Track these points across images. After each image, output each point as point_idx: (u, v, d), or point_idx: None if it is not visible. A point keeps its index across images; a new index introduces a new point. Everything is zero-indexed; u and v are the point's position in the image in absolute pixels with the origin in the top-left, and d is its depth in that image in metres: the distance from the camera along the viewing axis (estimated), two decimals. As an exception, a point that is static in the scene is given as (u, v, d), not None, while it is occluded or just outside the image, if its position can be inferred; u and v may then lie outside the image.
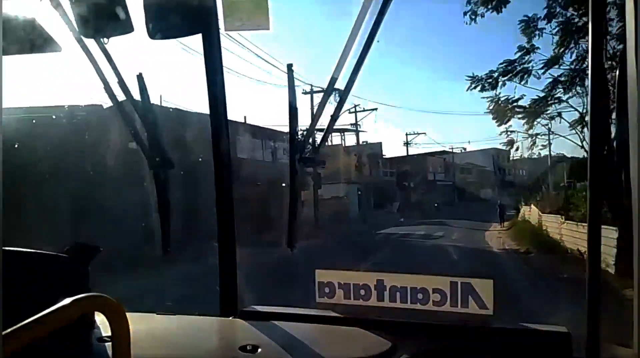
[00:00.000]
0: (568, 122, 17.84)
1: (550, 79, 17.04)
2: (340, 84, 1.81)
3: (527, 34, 16.57)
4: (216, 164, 1.93)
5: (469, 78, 17.91)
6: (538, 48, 16.81)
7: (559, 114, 18.09)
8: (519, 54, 17.14)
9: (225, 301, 1.94)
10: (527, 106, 18.51)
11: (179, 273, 10.17)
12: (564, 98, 17.13)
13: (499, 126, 20.20)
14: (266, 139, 27.43)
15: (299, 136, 1.89)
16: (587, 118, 1.62)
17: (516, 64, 17.21)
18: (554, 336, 1.64)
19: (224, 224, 1.97)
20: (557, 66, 16.61)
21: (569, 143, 19.03)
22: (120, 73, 1.80)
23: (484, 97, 18.44)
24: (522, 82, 17.47)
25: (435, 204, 39.91)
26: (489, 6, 15.10)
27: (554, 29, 15.77)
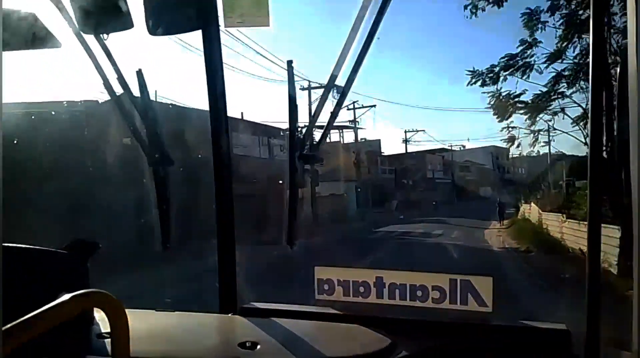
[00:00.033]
0: (571, 118, 17.52)
1: (553, 74, 16.74)
2: (340, 81, 1.83)
3: (530, 27, 16.29)
4: (216, 161, 1.94)
5: (469, 72, 17.64)
6: (540, 42, 16.54)
7: (562, 110, 17.70)
8: (521, 47, 16.87)
9: (225, 298, 1.95)
10: (529, 102, 18.14)
11: (178, 270, 10.19)
12: (568, 93, 16.84)
13: (500, 121, 19.75)
14: (262, 135, 27.38)
15: (299, 133, 1.91)
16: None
17: (518, 58, 16.93)
18: (553, 334, 1.66)
19: (223, 221, 1.98)
20: (560, 61, 16.35)
21: (572, 140, 18.84)
22: (120, 69, 1.81)
23: (484, 92, 18.09)
24: (524, 77, 17.16)
25: (434, 203, 39.91)
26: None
27: (557, 22, 15.52)
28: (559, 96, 17.25)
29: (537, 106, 18.02)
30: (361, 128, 38.78)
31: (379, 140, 46.98)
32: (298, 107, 1.90)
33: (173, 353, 1.51)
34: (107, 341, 1.49)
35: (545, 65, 16.67)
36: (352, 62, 1.78)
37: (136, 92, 1.87)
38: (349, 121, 36.65)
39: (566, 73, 16.26)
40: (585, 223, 1.87)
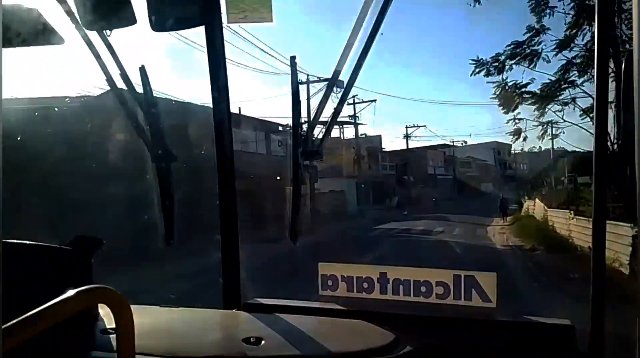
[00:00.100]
0: (581, 109, 16.76)
1: (563, 62, 16.19)
2: (342, 77, 1.86)
3: (537, 13, 15.79)
4: (219, 156, 1.97)
5: (473, 62, 17.15)
6: (549, 29, 16.04)
7: (573, 100, 16.85)
8: (528, 35, 16.29)
9: (229, 294, 1.98)
10: (537, 92, 17.45)
11: (181, 266, 10.19)
12: (578, 82, 16.22)
13: (505, 113, 18.98)
14: (260, 130, 27.31)
15: (301, 130, 1.93)
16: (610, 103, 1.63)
17: (525, 46, 16.37)
18: (557, 329, 1.69)
19: (226, 217, 2.01)
20: (568, 49, 15.82)
21: (581, 132, 17.65)
22: (123, 65, 1.84)
23: (489, 83, 17.48)
24: (531, 66, 16.63)
25: (434, 199, 39.89)
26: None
27: (566, 7, 15.11)
28: (570, 85, 16.59)
29: (546, 96, 17.32)
30: (361, 123, 38.78)
31: (380, 136, 47.03)
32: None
33: (177, 349, 1.54)
34: (112, 337, 1.52)
35: (553, 53, 16.15)
36: (355, 58, 1.81)
37: (139, 88, 1.90)
38: (349, 116, 36.65)
39: (577, 61, 15.74)
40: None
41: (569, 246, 16.18)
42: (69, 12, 1.73)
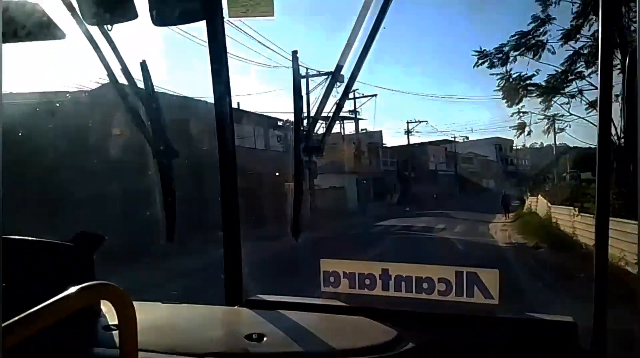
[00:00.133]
0: (587, 101, 16.36)
1: (570, 52, 15.83)
2: (343, 71, 1.86)
3: (542, 2, 15.49)
4: (221, 153, 1.99)
5: (476, 53, 16.86)
6: (554, 18, 15.72)
7: (580, 92, 16.42)
8: (533, 25, 15.95)
9: (231, 291, 2.01)
10: (542, 84, 17.10)
11: (182, 263, 10.19)
12: (586, 73, 15.87)
13: (509, 106, 18.56)
14: (258, 126, 27.25)
15: (303, 125, 1.94)
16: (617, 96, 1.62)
17: (530, 36, 16.04)
18: (559, 326, 1.71)
19: (228, 213, 2.03)
20: (574, 40, 15.46)
21: (587, 126, 17.49)
22: (124, 60, 1.85)
23: (493, 74, 17.19)
24: (536, 57, 16.27)
25: (434, 196, 39.87)
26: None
27: None
28: (576, 76, 16.18)
29: (552, 88, 16.97)
30: (362, 119, 38.76)
31: (380, 131, 46.91)
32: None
33: (180, 345, 1.55)
34: (115, 333, 1.54)
35: (559, 44, 15.81)
36: (357, 53, 1.81)
37: (140, 83, 1.91)
38: (349, 111, 36.61)
39: (584, 51, 15.39)
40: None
41: (574, 244, 15.86)
42: (70, 7, 1.74)
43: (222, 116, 1.98)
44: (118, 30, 1.81)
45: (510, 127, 20.64)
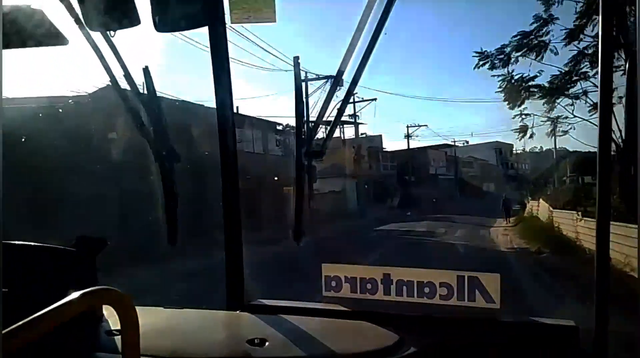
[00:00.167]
0: (592, 103, 15.73)
1: (573, 53, 15.33)
2: (345, 77, 1.89)
3: (545, 1, 15.04)
4: (222, 156, 2.01)
5: (477, 54, 16.35)
6: (557, 18, 15.23)
7: (585, 93, 15.84)
8: (535, 25, 15.46)
9: (232, 295, 2.02)
10: (545, 85, 16.51)
11: (184, 267, 10.18)
12: (590, 73, 15.28)
13: (511, 109, 17.98)
14: (256, 129, 27.24)
15: (304, 130, 1.96)
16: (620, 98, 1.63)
17: (532, 36, 15.57)
18: (561, 330, 1.73)
19: (230, 217, 2.05)
20: (578, 40, 14.95)
21: (591, 128, 16.15)
22: (127, 66, 1.88)
23: (494, 76, 16.60)
24: (538, 58, 15.76)
25: (434, 200, 39.82)
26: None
27: None
28: (581, 77, 15.62)
29: (555, 89, 16.38)
30: (362, 123, 38.78)
31: (380, 135, 47.05)
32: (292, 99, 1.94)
33: (182, 350, 1.57)
34: (117, 338, 1.55)
35: (562, 44, 15.30)
36: (358, 58, 1.83)
37: (142, 88, 1.93)
38: (349, 115, 36.64)
39: (589, 51, 14.90)
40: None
41: (578, 249, 15.55)
42: (74, 14, 1.76)
43: (224, 121, 2.01)
44: (121, 36, 1.84)
45: (512, 130, 19.90)
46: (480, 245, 19.62)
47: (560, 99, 16.93)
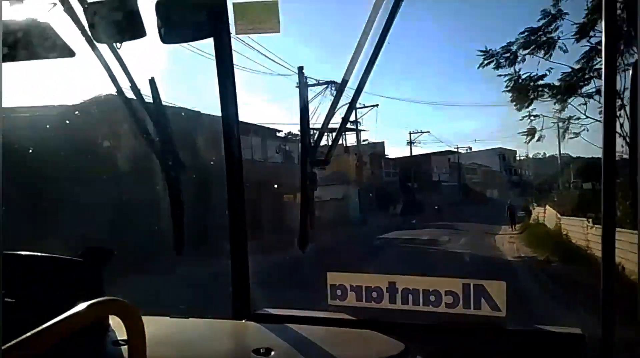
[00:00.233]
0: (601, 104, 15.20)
1: (586, 49, 14.79)
2: (342, 82, 1.92)
3: None
4: (228, 165, 2.05)
5: (482, 53, 15.93)
6: (566, 14, 14.80)
7: (598, 92, 14.39)
8: (543, 21, 15.02)
9: (238, 304, 2.05)
10: (555, 84, 15.91)
11: (189, 276, 10.20)
12: (603, 71, 14.72)
13: (518, 110, 17.24)
14: (255, 136, 27.24)
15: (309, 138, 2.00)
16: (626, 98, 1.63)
17: (540, 33, 15.11)
18: (568, 338, 1.76)
19: (235, 226, 2.08)
20: (587, 37, 14.45)
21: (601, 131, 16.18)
22: (133, 77, 1.93)
23: (500, 75, 16.10)
24: (547, 56, 15.28)
25: (436, 207, 39.77)
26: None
27: None
28: (594, 75, 14.81)
29: (566, 88, 15.69)
30: (364, 130, 38.77)
31: (383, 142, 47.13)
32: (294, 105, 1.99)
33: None
34: (123, 348, 1.58)
35: (572, 41, 14.80)
36: (362, 67, 1.87)
37: (148, 99, 1.98)
38: (351, 121, 36.58)
39: (601, 47, 14.30)
40: (620, 230, 1.90)
41: (589, 258, 14.80)
42: (80, 26, 1.81)
43: (229, 130, 2.05)
44: (127, 48, 1.89)
45: (519, 133, 19.14)
46: (486, 254, 19.41)
47: (572, 99, 16.29)
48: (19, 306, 1.45)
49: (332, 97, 2.01)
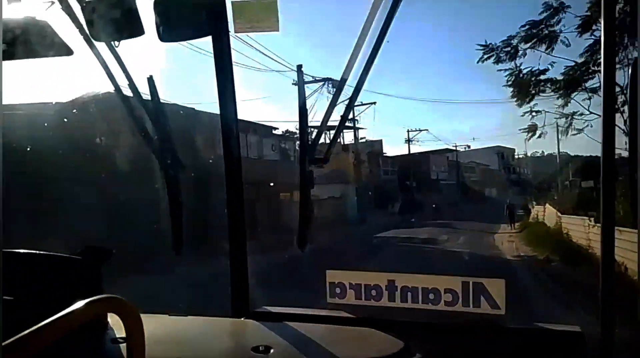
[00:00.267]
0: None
1: (590, 42, 14.43)
2: (341, 81, 1.94)
3: None
4: (227, 164, 2.06)
5: (481, 47, 15.68)
6: (569, 6, 14.58)
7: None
8: (545, 14, 14.77)
9: (237, 302, 2.07)
10: (558, 79, 15.63)
11: (189, 274, 10.22)
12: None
13: (519, 106, 16.88)
14: (251, 134, 27.17)
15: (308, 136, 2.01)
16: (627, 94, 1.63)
17: (542, 26, 14.87)
18: (567, 336, 1.78)
19: (234, 224, 2.10)
20: (590, 31, 14.12)
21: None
22: (131, 75, 1.94)
23: (500, 70, 15.83)
24: (548, 50, 15.06)
25: (433, 206, 39.77)
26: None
27: None
28: (597, 69, 14.13)
29: (569, 83, 15.38)
30: (361, 128, 38.76)
31: (381, 140, 47.14)
32: (291, 103, 2.00)
33: None
34: (122, 346, 1.59)
35: (575, 34, 14.53)
36: (360, 65, 1.89)
37: (146, 96, 1.99)
38: (349, 119, 36.54)
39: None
40: (621, 229, 1.90)
41: (591, 258, 14.57)
42: (79, 25, 1.82)
43: (227, 128, 2.06)
44: (125, 46, 1.89)
45: (519, 129, 18.77)
46: (484, 253, 19.35)
47: (575, 94, 15.97)
48: (18, 304, 1.46)
49: (330, 95, 2.02)
